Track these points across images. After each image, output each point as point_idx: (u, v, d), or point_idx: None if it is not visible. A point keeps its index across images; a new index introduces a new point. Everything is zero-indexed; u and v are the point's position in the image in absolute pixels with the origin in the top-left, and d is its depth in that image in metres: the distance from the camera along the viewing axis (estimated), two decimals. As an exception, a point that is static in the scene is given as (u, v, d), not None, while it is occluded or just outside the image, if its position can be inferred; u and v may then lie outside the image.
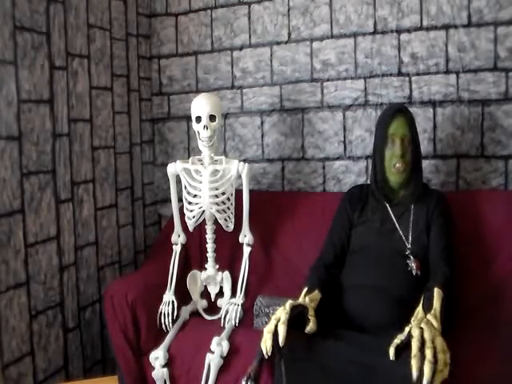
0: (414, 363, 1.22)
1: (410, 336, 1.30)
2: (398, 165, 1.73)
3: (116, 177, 2.39)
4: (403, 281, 1.63)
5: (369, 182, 1.94)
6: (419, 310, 1.46)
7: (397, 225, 1.77)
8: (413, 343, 1.25)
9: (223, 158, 2.06)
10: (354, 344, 1.42)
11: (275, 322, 1.39)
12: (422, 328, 1.31)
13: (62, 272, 2.01)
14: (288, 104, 2.44)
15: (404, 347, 1.30)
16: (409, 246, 1.71)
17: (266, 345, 1.38)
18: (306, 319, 1.45)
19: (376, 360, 1.34)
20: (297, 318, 1.44)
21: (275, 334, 1.38)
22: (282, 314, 1.40)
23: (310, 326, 1.43)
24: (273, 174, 2.50)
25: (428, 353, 1.23)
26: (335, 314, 1.64)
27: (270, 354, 1.38)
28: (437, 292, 1.48)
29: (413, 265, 1.66)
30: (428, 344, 1.25)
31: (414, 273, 1.65)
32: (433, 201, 1.77)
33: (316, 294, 1.59)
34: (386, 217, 1.79)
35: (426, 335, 1.27)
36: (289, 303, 1.45)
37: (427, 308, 1.44)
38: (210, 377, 1.67)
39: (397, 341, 1.32)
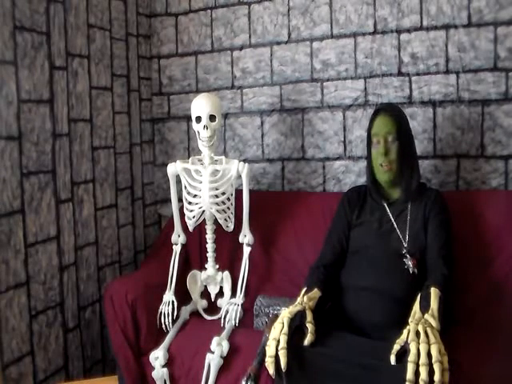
0: None
1: (407, 344, 1.31)
2: (382, 163, 1.74)
3: (116, 177, 2.39)
4: (402, 281, 1.63)
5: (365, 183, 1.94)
6: (416, 309, 1.46)
7: (395, 224, 1.76)
8: (408, 366, 1.25)
9: (223, 158, 2.07)
10: (354, 347, 1.42)
11: (275, 344, 1.39)
12: (419, 332, 1.32)
13: (62, 272, 2.01)
14: (288, 104, 2.44)
15: (404, 352, 1.31)
16: (405, 245, 1.71)
17: (269, 369, 1.39)
18: (304, 327, 1.44)
19: (376, 362, 1.34)
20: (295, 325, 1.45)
21: (277, 357, 1.38)
22: (281, 335, 1.39)
23: (308, 339, 1.42)
24: (273, 174, 2.50)
25: (422, 371, 1.24)
26: (335, 316, 1.65)
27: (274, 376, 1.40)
28: (433, 291, 1.48)
29: (409, 263, 1.66)
30: (423, 360, 1.25)
31: (410, 271, 1.64)
32: (430, 199, 1.77)
33: (315, 292, 1.59)
34: (384, 217, 1.79)
35: (422, 348, 1.28)
36: (286, 318, 1.43)
37: (424, 307, 1.44)
38: (210, 377, 1.67)
39: (396, 346, 1.33)
